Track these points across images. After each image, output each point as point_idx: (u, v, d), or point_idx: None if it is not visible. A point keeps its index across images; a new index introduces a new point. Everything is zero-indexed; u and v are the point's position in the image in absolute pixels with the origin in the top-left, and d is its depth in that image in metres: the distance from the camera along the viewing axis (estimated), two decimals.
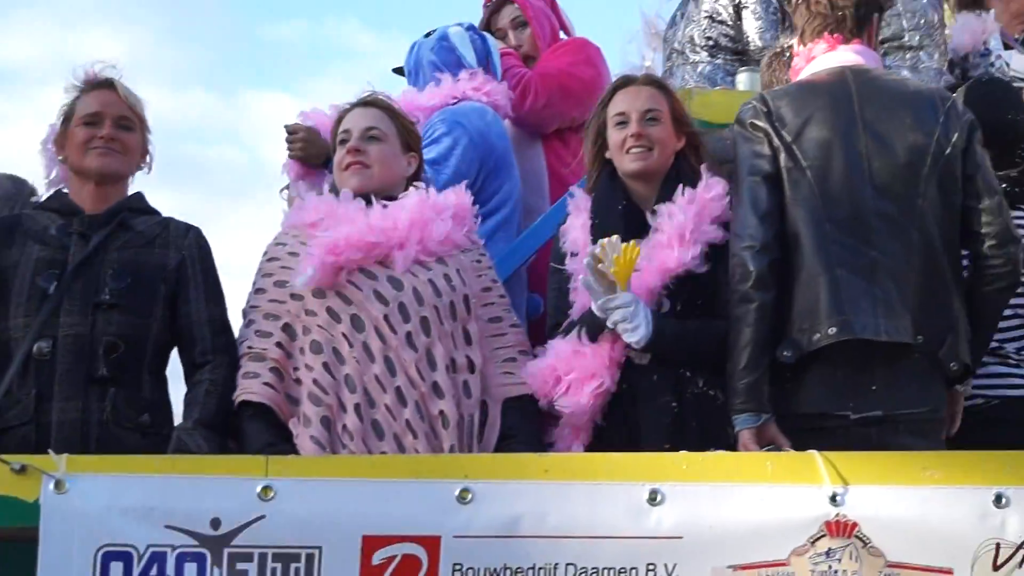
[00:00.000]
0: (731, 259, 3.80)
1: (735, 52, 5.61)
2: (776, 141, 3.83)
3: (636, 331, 3.84)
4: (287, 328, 3.89)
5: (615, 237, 3.86)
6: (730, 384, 3.75)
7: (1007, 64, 5.83)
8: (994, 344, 4.09)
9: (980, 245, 3.84)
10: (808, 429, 3.69)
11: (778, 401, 3.73)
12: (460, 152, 4.76)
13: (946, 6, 6.01)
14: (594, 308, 3.91)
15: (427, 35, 5.20)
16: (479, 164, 4.80)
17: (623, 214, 4.04)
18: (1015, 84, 5.57)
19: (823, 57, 4.00)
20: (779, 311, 3.75)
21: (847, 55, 3.97)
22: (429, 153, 4.58)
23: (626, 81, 4.21)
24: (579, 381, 3.90)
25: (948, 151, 3.84)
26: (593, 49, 5.47)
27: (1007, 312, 4.16)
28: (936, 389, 3.78)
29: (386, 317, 3.84)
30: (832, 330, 3.66)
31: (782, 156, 3.82)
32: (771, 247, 3.75)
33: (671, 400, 3.90)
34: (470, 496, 3.32)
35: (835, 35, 3.99)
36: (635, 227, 3.99)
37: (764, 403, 3.70)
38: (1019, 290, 4.22)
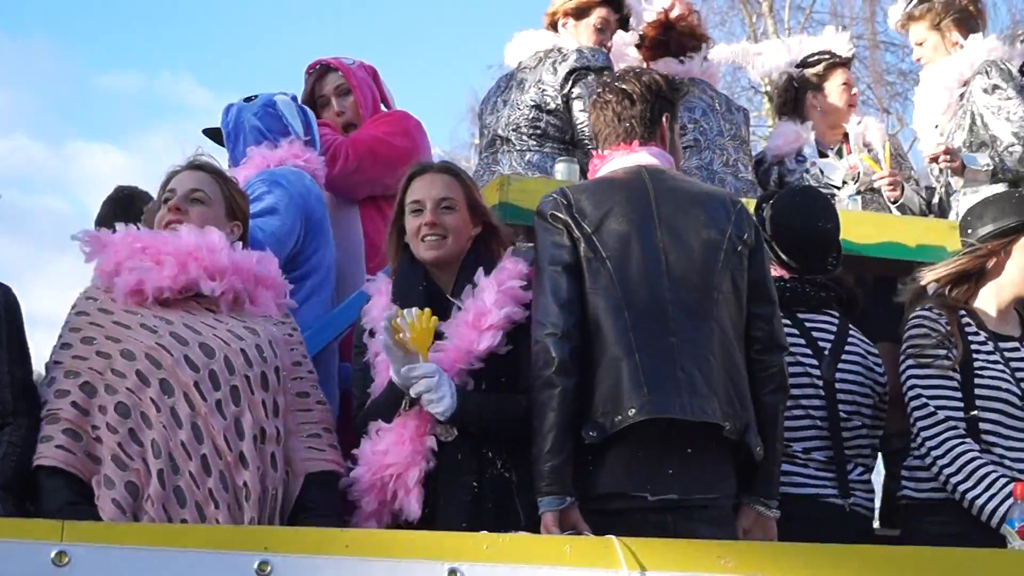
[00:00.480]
0: (534, 345, 3.87)
1: (563, 141, 5.75)
2: (576, 232, 3.93)
3: (441, 402, 3.87)
4: (85, 386, 3.82)
5: (414, 309, 3.90)
6: (535, 467, 3.80)
7: (821, 171, 6.09)
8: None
9: (752, 349, 3.98)
10: (609, 511, 3.76)
11: (580, 482, 3.80)
12: (283, 208, 4.79)
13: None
14: (393, 375, 3.93)
15: (248, 99, 5.23)
16: (302, 223, 4.85)
17: (424, 296, 4.10)
18: (828, 191, 5.85)
19: (620, 158, 4.14)
20: (583, 396, 3.82)
21: (642, 156, 4.11)
22: (253, 208, 4.59)
23: (422, 169, 4.29)
24: (402, 479, 3.93)
25: (740, 248, 3.99)
26: (413, 122, 5.58)
27: (799, 412, 4.31)
28: (728, 477, 3.89)
29: (196, 384, 3.81)
30: (632, 411, 3.75)
31: (582, 247, 3.92)
32: (572, 334, 3.84)
33: (472, 479, 3.94)
34: (269, 568, 3.29)
35: (629, 143, 4.14)
36: (437, 309, 4.01)
37: (568, 486, 3.76)
38: (810, 391, 4.38)
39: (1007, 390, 4.27)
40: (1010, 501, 3.98)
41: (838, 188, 6.00)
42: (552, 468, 3.76)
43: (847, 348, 4.50)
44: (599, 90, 4.22)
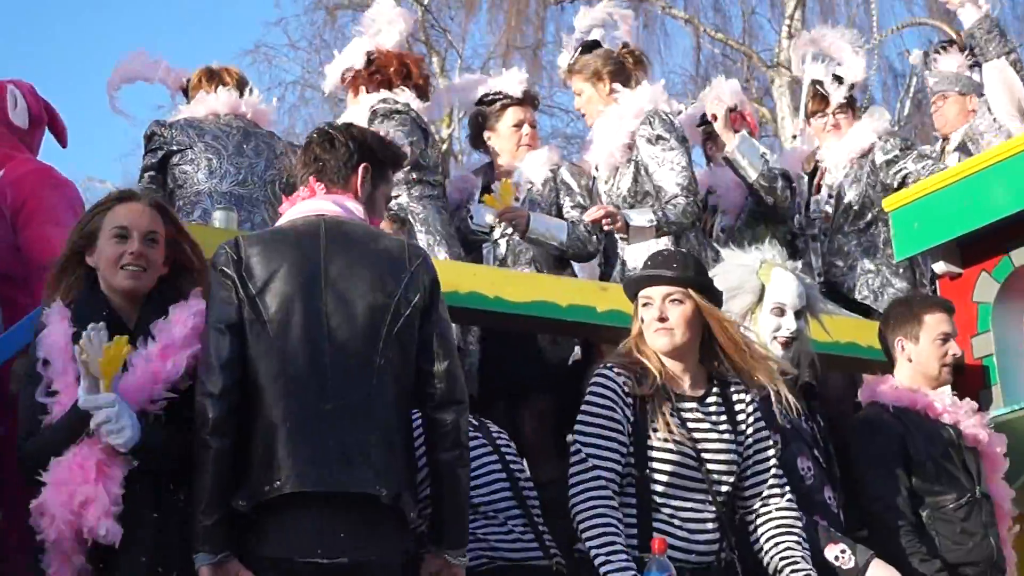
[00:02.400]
0: (196, 404, 3.84)
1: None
2: (242, 293, 3.90)
3: (121, 434, 3.79)
4: None
5: (100, 325, 3.83)
6: (191, 524, 3.78)
7: (471, 218, 6.16)
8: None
9: (426, 406, 4.01)
10: (281, 572, 3.77)
11: (247, 543, 3.79)
12: None
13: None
14: (80, 399, 3.83)
15: None
16: None
17: (108, 326, 3.97)
18: (479, 237, 6.08)
19: (303, 203, 4.11)
20: (241, 457, 3.81)
21: (324, 203, 4.08)
22: None
23: (130, 195, 4.23)
24: (95, 504, 3.79)
25: (408, 312, 3.98)
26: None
27: (490, 477, 4.45)
28: (395, 538, 3.90)
29: None
30: (278, 483, 3.75)
31: (246, 308, 3.89)
32: (230, 395, 3.81)
33: (151, 512, 3.88)
34: None
35: (319, 183, 4.12)
36: None
37: (220, 544, 3.75)
38: (493, 458, 4.51)
39: (679, 451, 4.25)
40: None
41: (487, 233, 6.11)
42: (205, 529, 3.74)
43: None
44: (309, 137, 4.22)
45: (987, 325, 5.81)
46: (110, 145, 31.33)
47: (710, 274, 4.61)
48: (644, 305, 4.38)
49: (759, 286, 4.88)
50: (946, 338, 5.17)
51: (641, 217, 5.89)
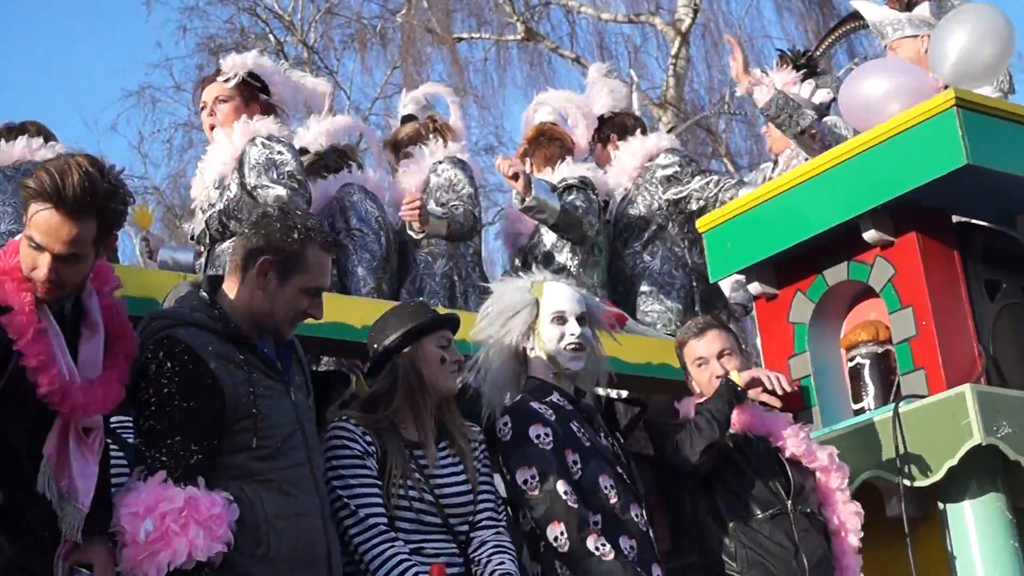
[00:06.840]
0: None
1: None
2: None
3: None
4: None
5: None
6: None
7: None
8: None
9: None
10: None
11: None
12: None
13: None
14: None
15: None
16: None
17: None
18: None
19: None
20: None
21: None
22: None
23: None
24: None
25: None
26: None
27: None
28: None
29: None
30: None
31: None
32: None
33: None
34: None
35: None
36: None
37: None
38: None
39: (418, 498, 4.37)
40: None
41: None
42: None
43: None
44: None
45: (804, 346, 5.73)
46: None
47: (484, 305, 4.83)
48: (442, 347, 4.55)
49: (532, 300, 4.86)
50: (700, 362, 5.20)
51: (436, 208, 6.29)
